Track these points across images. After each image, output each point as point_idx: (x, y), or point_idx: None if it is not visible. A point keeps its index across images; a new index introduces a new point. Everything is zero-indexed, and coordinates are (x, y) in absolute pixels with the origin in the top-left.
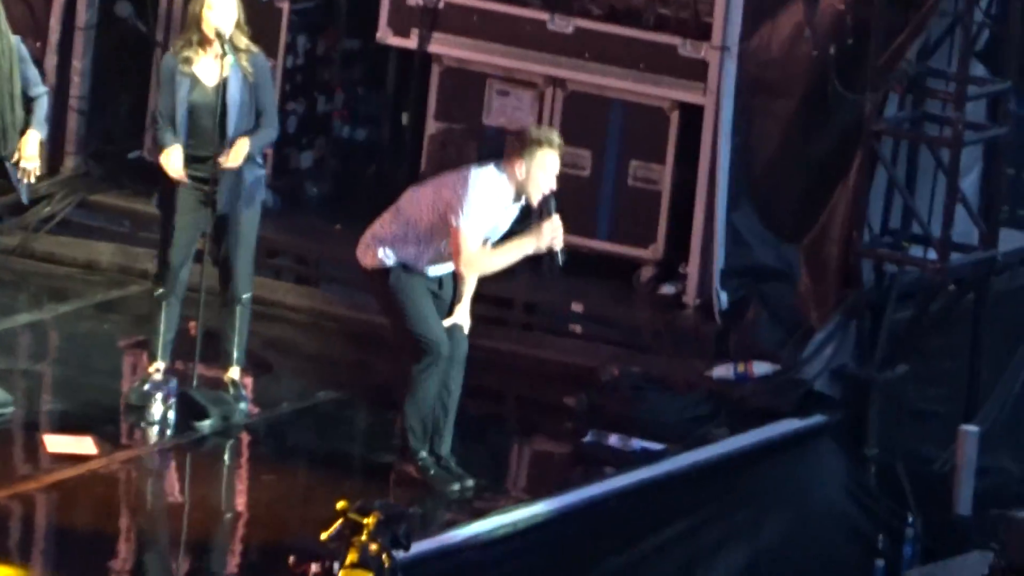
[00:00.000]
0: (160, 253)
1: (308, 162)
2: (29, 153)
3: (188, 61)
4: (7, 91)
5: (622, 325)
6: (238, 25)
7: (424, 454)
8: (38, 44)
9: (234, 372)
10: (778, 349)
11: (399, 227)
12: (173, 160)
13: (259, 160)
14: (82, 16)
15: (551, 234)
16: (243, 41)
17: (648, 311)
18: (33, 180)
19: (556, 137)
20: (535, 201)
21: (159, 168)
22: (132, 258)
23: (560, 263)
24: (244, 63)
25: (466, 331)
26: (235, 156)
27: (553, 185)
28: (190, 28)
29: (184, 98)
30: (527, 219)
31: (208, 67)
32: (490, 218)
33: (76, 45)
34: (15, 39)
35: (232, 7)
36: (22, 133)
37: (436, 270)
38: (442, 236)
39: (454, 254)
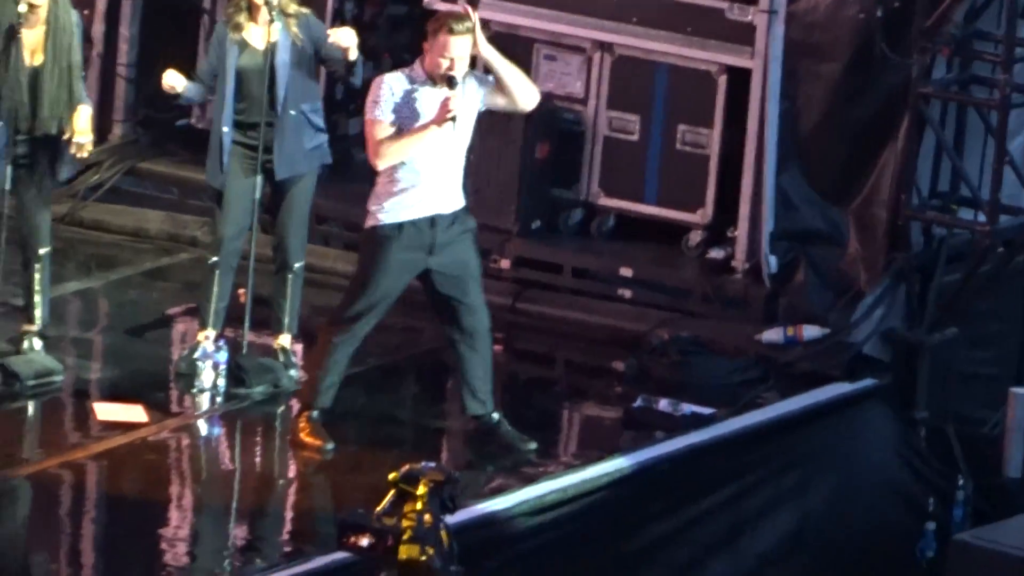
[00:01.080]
0: (213, 221)
1: (356, 128)
2: (83, 127)
3: (238, 28)
4: (65, 64)
5: (671, 289)
6: None
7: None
8: (86, 12)
9: (284, 340)
10: (827, 313)
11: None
12: (171, 76)
13: (320, 124)
14: None
15: (443, 109)
16: (292, 6)
17: (697, 275)
18: (87, 155)
19: (457, 23)
20: (436, 75)
21: (209, 136)
22: (181, 225)
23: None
24: (294, 29)
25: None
26: (343, 36)
27: (455, 67)
28: None
29: (233, 64)
30: None
31: (258, 33)
32: (399, 106)
33: (123, 12)
34: (75, 14)
35: None
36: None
37: (420, 206)
38: None
39: (367, 146)
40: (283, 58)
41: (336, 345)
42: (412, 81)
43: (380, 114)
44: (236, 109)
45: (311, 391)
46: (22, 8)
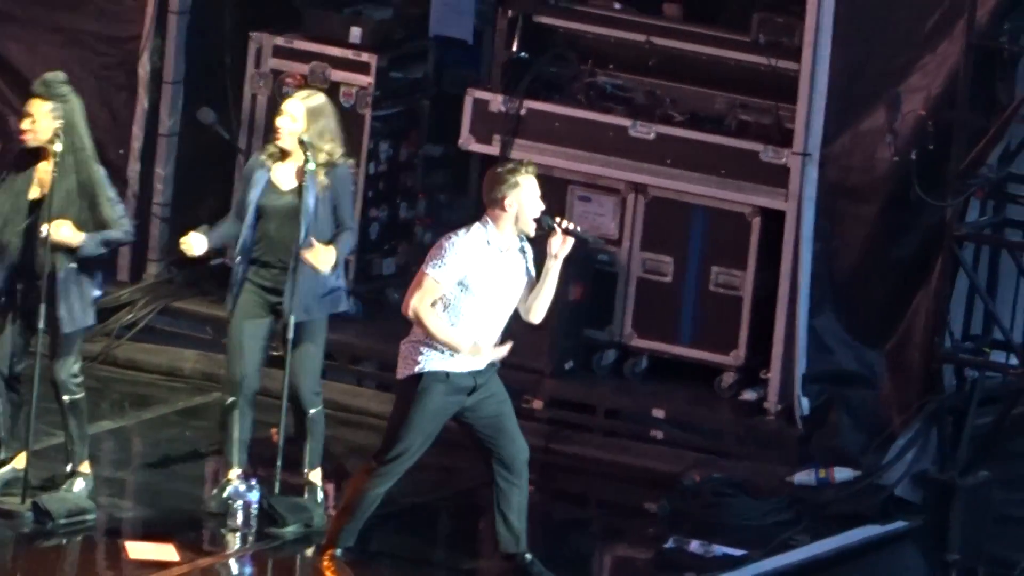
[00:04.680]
0: (228, 360)
1: (390, 269)
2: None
3: (267, 164)
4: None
5: (704, 430)
6: (321, 135)
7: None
8: (121, 151)
9: (315, 475)
10: (860, 454)
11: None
12: (192, 240)
13: (337, 272)
14: (165, 123)
15: (558, 245)
16: (322, 154)
17: (730, 416)
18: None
19: (531, 165)
20: (531, 230)
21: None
22: (215, 364)
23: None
24: (321, 176)
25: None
26: (319, 259)
27: (541, 206)
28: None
29: (255, 199)
30: None
31: (285, 173)
32: (467, 270)
33: (159, 152)
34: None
35: (297, 113)
36: None
37: (467, 363)
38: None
39: (410, 291)
40: (308, 202)
41: (370, 488)
42: (490, 246)
43: (440, 275)
44: (252, 246)
45: (337, 530)
46: (58, 148)
